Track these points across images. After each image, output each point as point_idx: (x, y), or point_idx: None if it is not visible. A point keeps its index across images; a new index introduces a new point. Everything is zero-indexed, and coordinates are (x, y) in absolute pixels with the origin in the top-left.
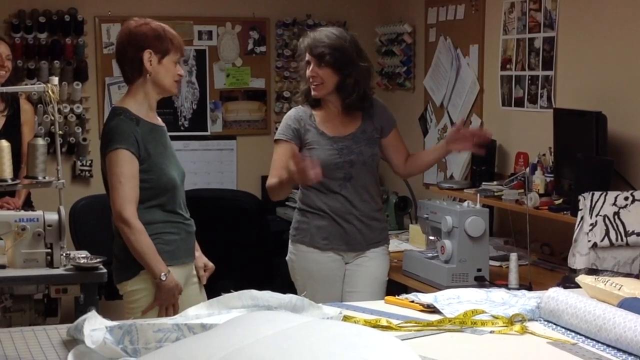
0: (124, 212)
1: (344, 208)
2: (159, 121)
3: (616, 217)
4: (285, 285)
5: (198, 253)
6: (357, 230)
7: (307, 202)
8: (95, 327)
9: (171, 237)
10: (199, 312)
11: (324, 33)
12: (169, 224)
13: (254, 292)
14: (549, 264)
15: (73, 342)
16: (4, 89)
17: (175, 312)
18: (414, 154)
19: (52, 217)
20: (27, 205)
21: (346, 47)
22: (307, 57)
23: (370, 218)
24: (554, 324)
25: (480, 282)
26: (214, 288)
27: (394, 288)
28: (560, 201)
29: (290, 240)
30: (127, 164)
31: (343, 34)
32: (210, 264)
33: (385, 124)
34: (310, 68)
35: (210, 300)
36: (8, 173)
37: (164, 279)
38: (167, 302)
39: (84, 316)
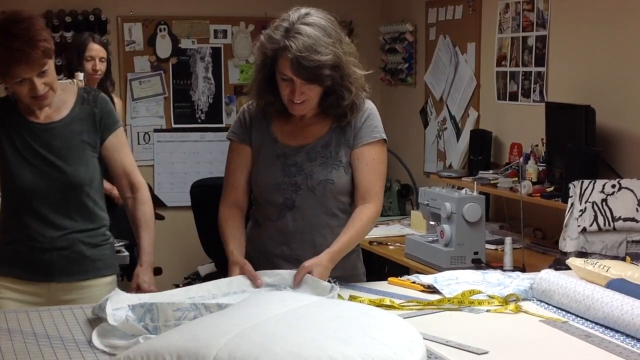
0: None
1: (271, 244)
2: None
3: (604, 203)
4: None
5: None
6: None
7: (250, 236)
8: (118, 305)
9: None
10: (216, 289)
11: (308, 40)
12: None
13: (267, 271)
14: (542, 247)
15: (97, 320)
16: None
17: None
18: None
19: None
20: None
21: (340, 54)
22: (287, 73)
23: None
24: (546, 303)
25: (477, 264)
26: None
27: (396, 270)
28: (551, 189)
29: None
30: None
31: (328, 27)
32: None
33: (361, 136)
34: (294, 89)
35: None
36: None
37: None
38: None
39: (107, 296)
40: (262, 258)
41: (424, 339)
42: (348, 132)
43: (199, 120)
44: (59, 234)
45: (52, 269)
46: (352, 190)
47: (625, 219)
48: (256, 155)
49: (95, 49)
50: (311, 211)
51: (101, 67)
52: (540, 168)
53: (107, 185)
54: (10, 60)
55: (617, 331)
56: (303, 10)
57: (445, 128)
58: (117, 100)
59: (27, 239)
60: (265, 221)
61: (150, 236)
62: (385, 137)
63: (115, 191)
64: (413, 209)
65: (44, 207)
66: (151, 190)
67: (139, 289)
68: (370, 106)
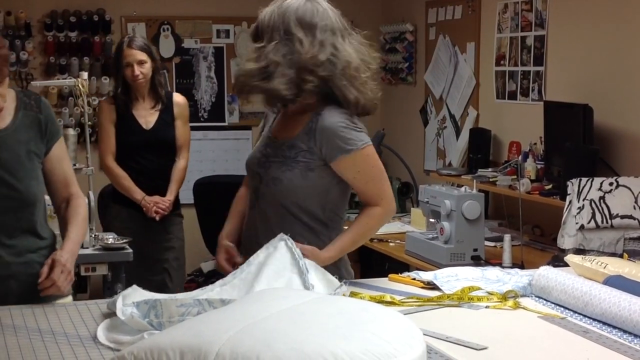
0: None
1: (248, 236)
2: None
3: (602, 201)
4: None
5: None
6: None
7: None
8: (130, 300)
9: None
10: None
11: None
12: None
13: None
14: (540, 244)
15: (107, 315)
16: (39, 83)
17: None
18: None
19: None
20: (176, 207)
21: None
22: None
23: None
24: (545, 299)
25: (477, 261)
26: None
27: (397, 267)
28: (550, 186)
29: None
30: None
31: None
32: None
33: (330, 153)
34: None
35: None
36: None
37: None
38: None
39: (123, 292)
40: (245, 245)
41: (424, 334)
42: (312, 139)
43: (202, 119)
44: (14, 258)
45: (8, 297)
46: (324, 201)
47: (622, 217)
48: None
49: (132, 54)
50: (268, 207)
51: (142, 71)
52: (539, 166)
53: (137, 195)
54: None
55: (614, 327)
56: None
57: (445, 127)
58: (180, 99)
59: None
60: (248, 209)
61: (80, 233)
62: (363, 145)
63: (147, 204)
64: (413, 207)
65: None
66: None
67: (52, 264)
68: (337, 118)
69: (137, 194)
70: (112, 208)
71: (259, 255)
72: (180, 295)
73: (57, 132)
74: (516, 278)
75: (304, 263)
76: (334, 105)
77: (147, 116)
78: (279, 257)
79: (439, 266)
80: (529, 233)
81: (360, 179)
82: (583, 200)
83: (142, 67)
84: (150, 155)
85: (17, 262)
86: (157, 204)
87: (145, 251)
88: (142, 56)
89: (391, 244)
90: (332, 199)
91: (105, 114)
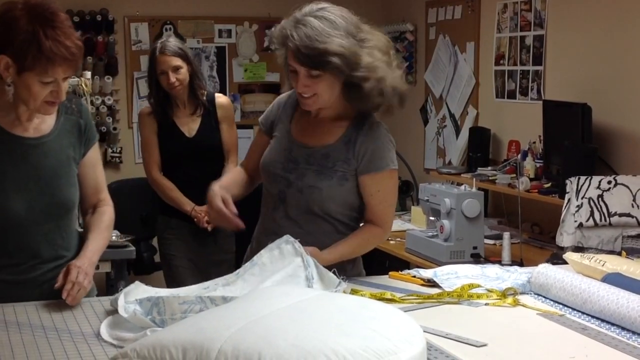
0: None
1: (269, 235)
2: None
3: (600, 199)
4: None
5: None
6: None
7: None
8: (132, 297)
9: None
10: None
11: (310, 31)
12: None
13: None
14: (539, 242)
15: (106, 313)
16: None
17: None
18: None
19: None
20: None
21: (344, 44)
22: (292, 63)
23: None
24: (544, 297)
25: (476, 258)
26: (237, 264)
27: (397, 264)
28: (549, 185)
29: None
30: None
31: (338, 21)
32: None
33: (365, 164)
34: (298, 78)
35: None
36: None
37: None
38: None
39: (125, 289)
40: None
41: (424, 331)
42: (351, 151)
43: None
44: (53, 266)
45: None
46: (351, 205)
47: (620, 215)
48: (272, 141)
49: (165, 61)
50: (298, 211)
51: (178, 77)
52: (538, 165)
53: (186, 206)
54: (55, 56)
55: (612, 324)
56: (320, 5)
57: (445, 125)
58: (223, 99)
59: (15, 273)
60: (266, 210)
61: (100, 241)
62: (392, 167)
63: (197, 214)
64: (413, 205)
65: (37, 239)
66: None
67: (67, 272)
68: (382, 134)
69: (187, 205)
70: (160, 220)
71: (263, 255)
72: (183, 293)
73: (94, 137)
74: (515, 275)
75: (311, 271)
76: (373, 117)
77: (189, 123)
78: (287, 262)
79: (439, 264)
80: (528, 231)
81: (378, 197)
82: (582, 198)
83: (178, 73)
84: (196, 164)
85: (53, 270)
86: (208, 214)
87: (195, 264)
88: (177, 62)
89: (392, 241)
90: (360, 205)
91: (146, 125)
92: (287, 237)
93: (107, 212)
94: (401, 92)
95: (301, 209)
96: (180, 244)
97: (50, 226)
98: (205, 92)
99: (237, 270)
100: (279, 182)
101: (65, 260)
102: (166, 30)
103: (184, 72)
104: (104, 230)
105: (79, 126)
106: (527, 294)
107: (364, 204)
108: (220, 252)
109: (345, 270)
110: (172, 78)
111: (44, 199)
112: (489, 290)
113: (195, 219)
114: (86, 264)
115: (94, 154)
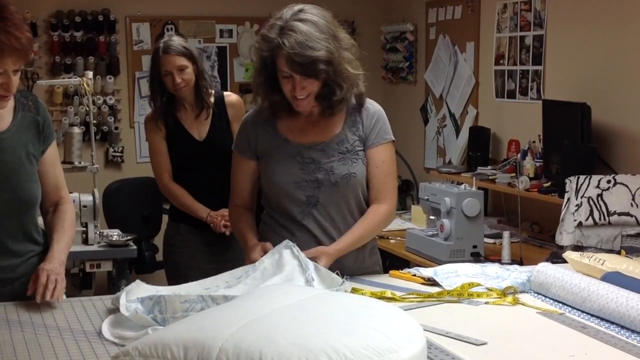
0: None
1: (306, 247)
2: None
3: (599, 198)
4: None
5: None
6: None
7: (263, 238)
8: (134, 296)
9: None
10: (229, 277)
11: (300, 37)
12: None
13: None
14: (539, 241)
15: (108, 312)
16: (45, 82)
17: None
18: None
19: (87, 198)
20: None
21: (332, 49)
22: (285, 70)
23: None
24: (543, 295)
25: (476, 257)
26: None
27: (397, 263)
28: (548, 184)
29: None
30: None
31: (321, 23)
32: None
33: (371, 137)
34: (295, 84)
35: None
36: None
37: None
38: None
39: (126, 288)
40: None
41: (424, 330)
42: (360, 129)
43: None
44: (20, 261)
45: (15, 299)
46: (365, 183)
47: (620, 214)
48: (268, 159)
49: (169, 61)
50: (335, 206)
51: (183, 77)
52: (537, 164)
53: (201, 213)
54: (4, 46)
55: (612, 323)
56: (296, 7)
57: (445, 125)
58: (233, 98)
59: None
60: (287, 223)
61: (66, 240)
62: (393, 138)
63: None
64: (414, 204)
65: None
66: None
67: (36, 277)
68: (378, 108)
69: (202, 211)
70: (171, 226)
71: (264, 260)
72: (184, 291)
73: (52, 134)
74: (515, 274)
75: (310, 273)
76: (364, 93)
77: (198, 126)
78: (286, 266)
79: (439, 262)
80: (528, 230)
81: (382, 170)
82: (581, 197)
83: (183, 73)
84: (208, 168)
85: (22, 265)
86: (224, 217)
87: (204, 273)
88: (182, 61)
89: (392, 240)
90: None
91: (153, 131)
92: (286, 242)
93: (69, 210)
94: (360, 93)
95: (338, 204)
96: (188, 251)
97: (13, 222)
98: (214, 92)
99: (239, 274)
100: (304, 189)
101: (34, 254)
102: (167, 30)
103: (190, 72)
104: (67, 229)
105: (37, 123)
106: (527, 292)
107: (368, 180)
108: (232, 259)
109: (363, 259)
110: (178, 79)
111: (4, 195)
112: (488, 289)
113: (212, 225)
114: (56, 265)
115: (53, 151)
